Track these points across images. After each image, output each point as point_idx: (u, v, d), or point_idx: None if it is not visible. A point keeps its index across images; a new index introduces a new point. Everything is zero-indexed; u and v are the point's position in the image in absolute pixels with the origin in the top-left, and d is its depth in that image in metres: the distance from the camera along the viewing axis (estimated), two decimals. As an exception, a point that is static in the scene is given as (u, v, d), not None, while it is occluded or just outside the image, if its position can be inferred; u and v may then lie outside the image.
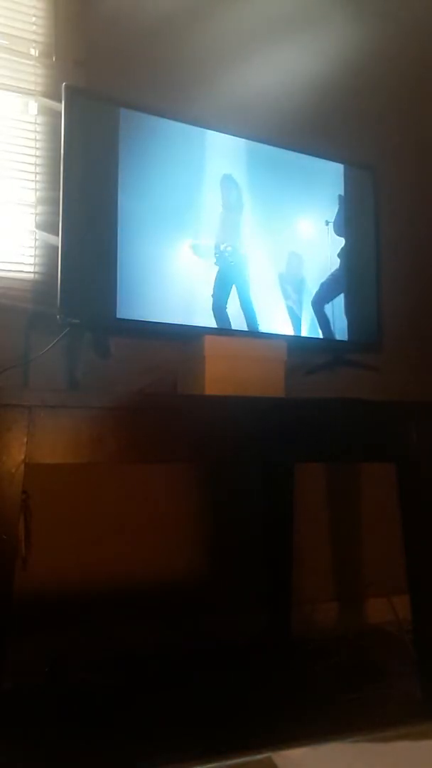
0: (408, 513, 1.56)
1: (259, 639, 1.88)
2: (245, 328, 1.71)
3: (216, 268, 1.69)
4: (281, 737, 1.26)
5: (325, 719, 1.41)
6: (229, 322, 1.69)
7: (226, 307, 1.69)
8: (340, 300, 1.85)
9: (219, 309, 1.68)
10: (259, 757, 1.05)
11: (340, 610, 2.10)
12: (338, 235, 1.87)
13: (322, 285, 1.83)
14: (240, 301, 1.71)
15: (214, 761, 1.14)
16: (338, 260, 1.86)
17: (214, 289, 1.68)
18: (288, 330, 1.77)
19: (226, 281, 1.70)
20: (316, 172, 1.88)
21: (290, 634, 1.90)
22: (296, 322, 1.78)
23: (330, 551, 2.13)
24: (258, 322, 1.72)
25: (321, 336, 1.81)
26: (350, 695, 1.53)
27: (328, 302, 1.82)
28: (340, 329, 1.85)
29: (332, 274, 1.84)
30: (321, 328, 1.82)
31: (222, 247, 1.70)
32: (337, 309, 1.85)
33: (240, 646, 1.83)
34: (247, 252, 1.74)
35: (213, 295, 1.68)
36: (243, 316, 1.71)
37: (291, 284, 1.79)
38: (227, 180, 1.73)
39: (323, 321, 1.81)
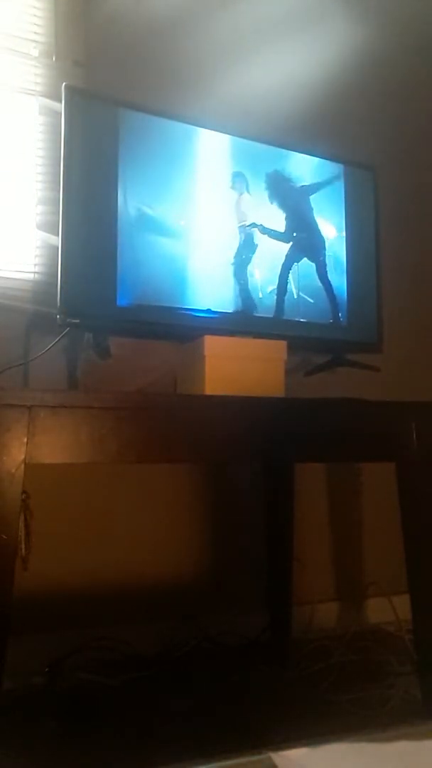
0: (408, 513, 1.56)
1: (259, 639, 1.88)
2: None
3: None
4: (281, 737, 1.27)
5: (325, 719, 1.41)
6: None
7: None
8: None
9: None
10: (259, 757, 1.05)
11: (340, 610, 2.10)
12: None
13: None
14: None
15: (214, 761, 1.14)
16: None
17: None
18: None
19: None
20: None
21: (290, 634, 1.90)
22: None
23: (330, 551, 2.13)
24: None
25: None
26: (350, 695, 1.53)
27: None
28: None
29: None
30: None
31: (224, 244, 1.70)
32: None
33: (240, 646, 1.83)
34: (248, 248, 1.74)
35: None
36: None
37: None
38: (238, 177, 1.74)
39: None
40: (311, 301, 1.82)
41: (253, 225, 1.75)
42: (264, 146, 1.80)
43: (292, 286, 1.79)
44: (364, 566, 2.17)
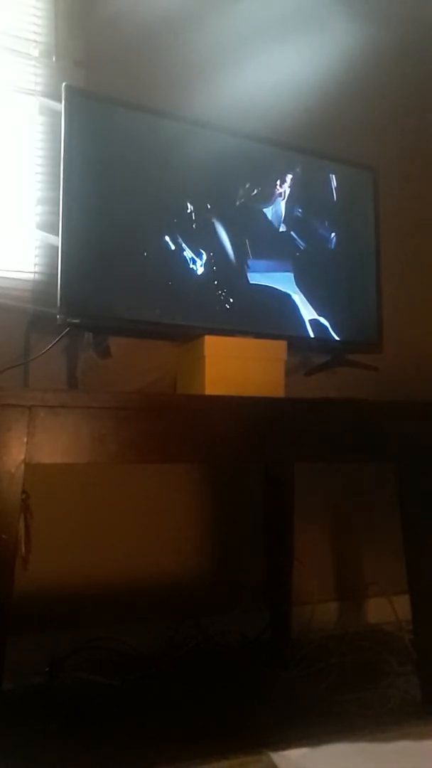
0: (408, 513, 1.56)
1: (258, 639, 1.88)
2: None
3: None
4: (281, 737, 1.27)
5: (325, 719, 1.41)
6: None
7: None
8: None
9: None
10: (259, 757, 1.06)
11: (340, 610, 2.10)
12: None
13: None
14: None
15: (214, 761, 1.14)
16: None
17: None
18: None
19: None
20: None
21: (290, 634, 1.90)
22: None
23: (330, 551, 2.13)
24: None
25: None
26: (350, 695, 1.53)
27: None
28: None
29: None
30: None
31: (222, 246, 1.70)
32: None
33: (239, 647, 1.83)
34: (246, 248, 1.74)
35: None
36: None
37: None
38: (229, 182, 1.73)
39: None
40: (311, 300, 1.82)
41: (253, 225, 1.75)
42: (264, 146, 1.80)
43: (292, 286, 1.80)
44: (364, 566, 2.17)
